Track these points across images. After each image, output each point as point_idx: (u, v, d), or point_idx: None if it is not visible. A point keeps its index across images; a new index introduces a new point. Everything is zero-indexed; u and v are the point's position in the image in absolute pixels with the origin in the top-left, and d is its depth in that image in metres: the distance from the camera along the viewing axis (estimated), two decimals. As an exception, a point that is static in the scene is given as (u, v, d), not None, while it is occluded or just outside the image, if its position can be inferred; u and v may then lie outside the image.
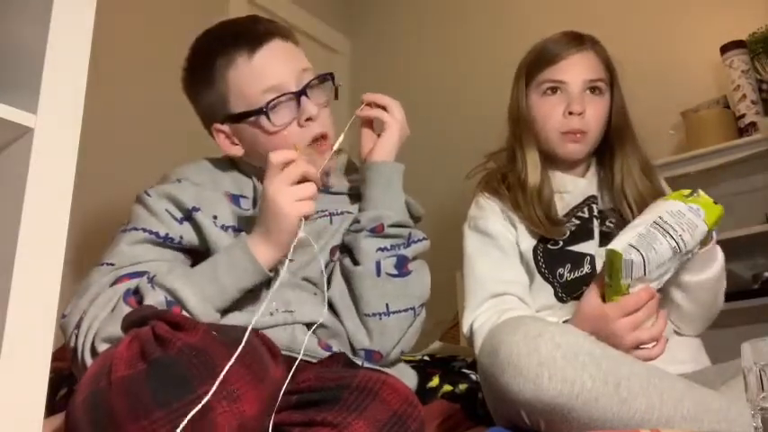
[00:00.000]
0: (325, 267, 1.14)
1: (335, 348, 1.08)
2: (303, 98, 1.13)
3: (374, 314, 1.10)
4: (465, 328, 1.32)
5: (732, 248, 1.85)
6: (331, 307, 1.12)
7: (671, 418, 0.93)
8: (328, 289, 1.13)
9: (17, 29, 0.78)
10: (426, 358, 1.49)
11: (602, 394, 0.93)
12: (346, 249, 1.16)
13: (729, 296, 1.78)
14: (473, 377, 1.32)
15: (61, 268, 0.72)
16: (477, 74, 2.56)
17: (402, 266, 1.12)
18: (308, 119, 1.13)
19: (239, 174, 1.21)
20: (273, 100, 1.12)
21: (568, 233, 1.36)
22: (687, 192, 1.15)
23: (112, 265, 1.05)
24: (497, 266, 1.34)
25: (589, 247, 1.35)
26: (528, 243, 1.36)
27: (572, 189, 1.41)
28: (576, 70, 1.37)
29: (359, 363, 1.08)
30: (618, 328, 1.09)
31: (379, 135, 1.21)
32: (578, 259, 1.33)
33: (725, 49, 2.04)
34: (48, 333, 0.71)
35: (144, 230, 1.07)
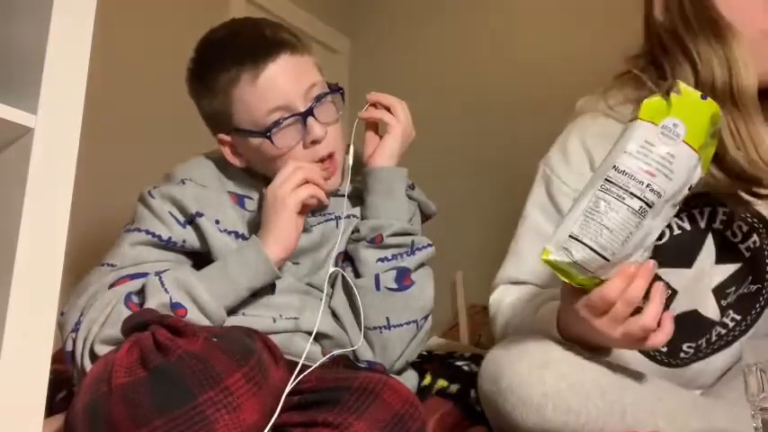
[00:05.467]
0: (332, 274, 1.13)
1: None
2: (309, 119, 1.09)
3: (375, 328, 1.09)
4: (493, 295, 1.17)
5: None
6: (335, 316, 1.11)
7: None
8: (332, 298, 1.12)
9: (17, 29, 0.78)
10: (424, 353, 1.49)
11: (607, 424, 0.91)
12: (348, 258, 1.15)
13: (729, 296, 1.78)
14: (466, 368, 1.31)
15: (61, 268, 0.72)
16: (478, 74, 2.56)
17: (402, 279, 1.10)
18: (314, 141, 1.10)
19: (246, 174, 1.18)
20: (277, 123, 1.08)
21: (667, 238, 1.05)
22: (664, 86, 0.86)
23: (113, 266, 1.04)
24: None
25: (682, 278, 1.09)
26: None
27: None
28: None
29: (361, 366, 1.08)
30: (600, 329, 0.88)
31: (381, 137, 1.17)
32: None
33: (725, 49, 2.03)
34: (48, 333, 0.71)
35: (147, 232, 1.06)
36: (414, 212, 1.22)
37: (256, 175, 1.17)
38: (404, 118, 1.16)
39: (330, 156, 1.12)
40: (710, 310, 1.10)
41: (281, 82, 1.08)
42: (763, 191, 0.98)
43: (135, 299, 0.99)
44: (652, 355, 1.10)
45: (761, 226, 1.08)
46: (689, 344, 1.11)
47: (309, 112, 1.09)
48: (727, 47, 0.99)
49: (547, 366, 0.93)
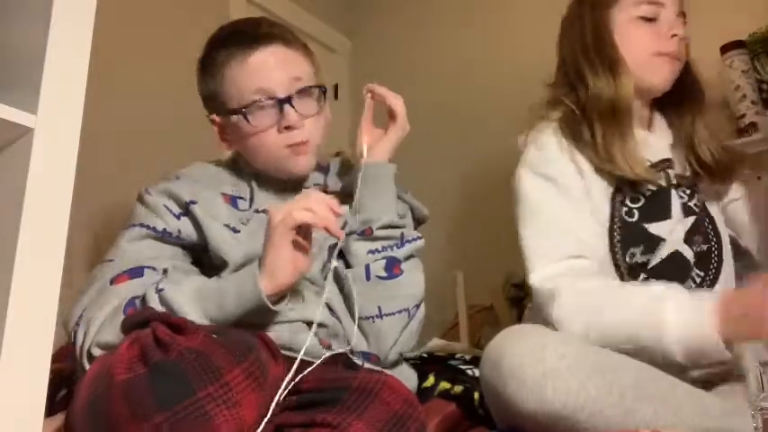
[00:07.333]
0: (324, 267, 1.15)
1: (335, 347, 1.08)
2: (286, 106, 1.14)
3: (367, 317, 1.10)
4: (536, 282, 1.18)
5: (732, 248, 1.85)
6: (330, 308, 1.12)
7: (675, 425, 0.93)
8: (325, 291, 1.13)
9: (17, 29, 0.78)
10: (424, 355, 1.49)
11: (606, 405, 0.92)
12: (339, 253, 1.15)
13: (729, 296, 1.78)
14: (470, 372, 1.31)
15: (61, 268, 0.72)
16: (477, 74, 2.56)
17: (392, 268, 1.12)
18: (288, 126, 1.14)
19: (237, 176, 1.22)
20: (254, 102, 1.13)
21: (643, 201, 1.25)
22: None
23: (112, 261, 1.06)
24: (575, 221, 1.22)
25: (665, 228, 1.24)
26: (603, 197, 1.23)
27: (642, 145, 1.27)
28: None
29: (359, 362, 1.08)
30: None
31: (384, 130, 1.20)
32: (652, 242, 1.23)
33: (725, 49, 2.03)
34: (48, 333, 0.71)
35: (141, 226, 1.09)
36: (405, 213, 1.24)
37: (247, 173, 1.21)
38: (404, 114, 1.20)
39: (304, 143, 1.16)
40: (687, 252, 1.25)
41: (268, 66, 1.15)
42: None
43: (138, 305, 1.00)
44: None
45: (697, 190, 1.31)
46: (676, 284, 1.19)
47: (288, 99, 1.14)
48: (616, 73, 1.26)
49: (545, 347, 0.94)
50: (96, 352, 0.95)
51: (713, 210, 1.33)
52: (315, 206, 0.99)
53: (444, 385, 1.25)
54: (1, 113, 0.69)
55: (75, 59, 0.76)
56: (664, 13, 1.29)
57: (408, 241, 1.15)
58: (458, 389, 1.25)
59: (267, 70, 1.15)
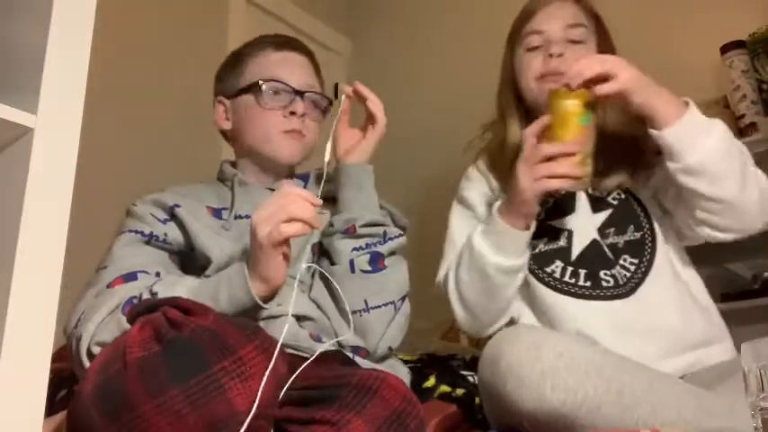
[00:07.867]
0: (309, 266, 1.17)
1: (325, 340, 1.09)
2: (297, 97, 1.25)
3: (354, 312, 1.11)
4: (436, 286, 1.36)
5: (732, 248, 1.85)
6: (318, 306, 1.14)
7: (674, 423, 0.93)
8: (312, 290, 1.16)
9: (17, 29, 0.79)
10: (425, 356, 1.49)
11: (605, 402, 0.92)
12: (324, 252, 1.18)
13: (729, 296, 1.79)
14: (470, 378, 1.31)
15: (61, 268, 0.72)
16: (477, 74, 2.56)
17: (376, 262, 1.15)
18: (292, 113, 1.23)
19: (221, 185, 1.27)
20: (273, 80, 1.25)
21: (552, 202, 1.33)
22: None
23: (106, 267, 1.08)
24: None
25: (570, 221, 1.33)
26: None
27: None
28: (553, 18, 1.36)
29: (349, 356, 1.09)
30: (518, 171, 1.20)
31: (363, 130, 1.24)
32: (556, 233, 1.32)
33: (725, 49, 2.04)
34: (48, 333, 0.70)
35: (130, 231, 1.12)
36: (386, 216, 1.26)
37: (229, 177, 1.26)
38: (384, 118, 1.24)
39: (302, 133, 1.25)
40: (603, 243, 1.32)
41: (290, 65, 1.28)
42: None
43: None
44: (585, 294, 1.26)
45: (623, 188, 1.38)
46: (604, 271, 1.28)
47: (302, 93, 1.26)
48: (510, 114, 1.41)
49: (543, 345, 0.94)
50: (96, 350, 0.96)
51: (644, 198, 1.36)
52: (299, 213, 0.98)
53: (444, 389, 1.25)
54: (1, 113, 0.69)
55: (75, 59, 0.76)
56: (546, 37, 1.35)
57: (391, 238, 1.18)
58: (459, 392, 1.25)
59: (289, 65, 1.28)
